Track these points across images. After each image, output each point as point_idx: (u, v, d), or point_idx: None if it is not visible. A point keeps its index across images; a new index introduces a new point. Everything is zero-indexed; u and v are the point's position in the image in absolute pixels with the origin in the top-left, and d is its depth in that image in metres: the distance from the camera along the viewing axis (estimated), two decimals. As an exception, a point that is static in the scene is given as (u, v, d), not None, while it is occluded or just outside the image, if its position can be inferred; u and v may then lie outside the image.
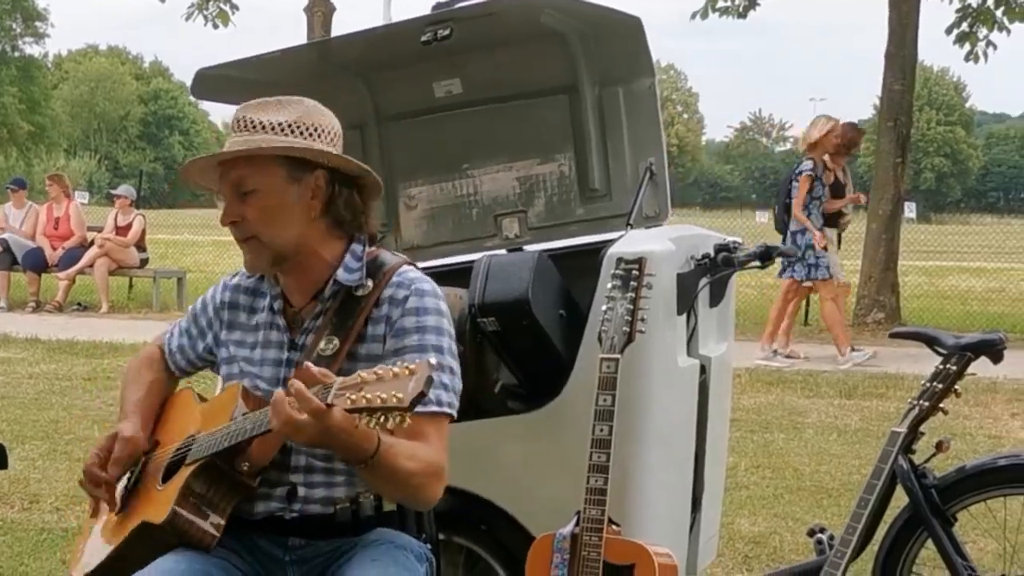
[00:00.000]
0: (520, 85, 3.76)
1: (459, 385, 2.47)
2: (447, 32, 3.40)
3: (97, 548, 2.55)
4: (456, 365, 2.47)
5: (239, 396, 2.46)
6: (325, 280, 2.51)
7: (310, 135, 2.46)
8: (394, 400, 2.01)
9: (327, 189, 2.48)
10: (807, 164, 9.98)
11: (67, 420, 7.45)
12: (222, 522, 2.40)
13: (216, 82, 3.67)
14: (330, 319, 2.48)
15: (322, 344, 2.45)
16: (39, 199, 15.99)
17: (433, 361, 2.10)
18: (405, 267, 2.54)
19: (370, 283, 2.49)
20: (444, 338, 2.45)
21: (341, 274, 2.49)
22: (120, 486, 2.60)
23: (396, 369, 2.05)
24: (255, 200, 2.44)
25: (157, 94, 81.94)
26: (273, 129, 2.44)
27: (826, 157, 10.18)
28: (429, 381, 2.03)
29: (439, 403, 2.38)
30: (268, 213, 2.44)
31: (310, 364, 2.22)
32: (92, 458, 2.54)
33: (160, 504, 2.41)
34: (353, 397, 2.06)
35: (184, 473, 2.40)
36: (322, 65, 3.74)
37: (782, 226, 10.28)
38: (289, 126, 2.45)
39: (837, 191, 10.31)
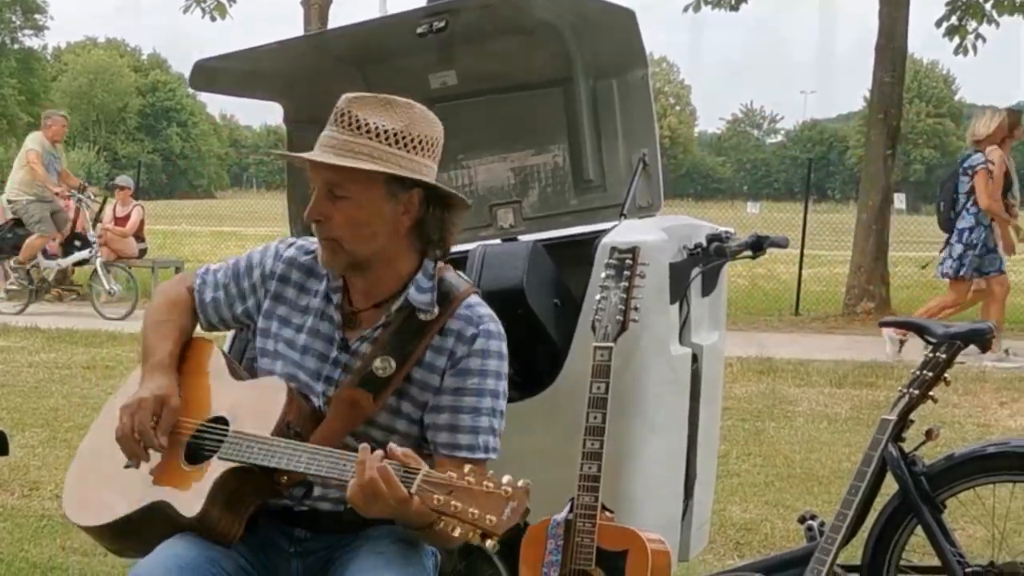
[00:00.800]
0: (515, 77, 3.78)
1: (504, 424, 2.47)
2: (443, 24, 3.41)
3: (106, 501, 2.46)
4: (505, 406, 2.47)
5: (284, 403, 2.38)
6: (393, 291, 2.46)
7: (414, 148, 2.37)
8: (487, 523, 1.95)
9: (420, 208, 2.40)
10: (978, 157, 9.58)
11: (67, 408, 7.48)
12: (244, 521, 2.38)
13: (214, 74, 3.68)
14: (390, 337, 2.43)
15: (378, 362, 2.41)
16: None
17: (522, 483, 2.02)
18: (473, 298, 2.49)
19: (436, 309, 2.44)
20: (502, 382, 2.45)
21: (413, 293, 2.43)
22: None
23: (490, 484, 1.99)
24: (346, 207, 2.36)
25: (155, 86, 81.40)
26: (379, 136, 2.34)
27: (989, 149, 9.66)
28: (526, 513, 1.95)
29: (487, 449, 2.40)
30: (357, 223, 2.37)
31: (394, 446, 2.16)
32: (145, 417, 2.38)
33: (188, 492, 2.35)
34: (440, 498, 2.00)
35: (219, 468, 2.34)
36: (319, 56, 3.75)
37: (948, 223, 9.88)
38: (396, 135, 2.35)
39: (1005, 182, 9.81)
